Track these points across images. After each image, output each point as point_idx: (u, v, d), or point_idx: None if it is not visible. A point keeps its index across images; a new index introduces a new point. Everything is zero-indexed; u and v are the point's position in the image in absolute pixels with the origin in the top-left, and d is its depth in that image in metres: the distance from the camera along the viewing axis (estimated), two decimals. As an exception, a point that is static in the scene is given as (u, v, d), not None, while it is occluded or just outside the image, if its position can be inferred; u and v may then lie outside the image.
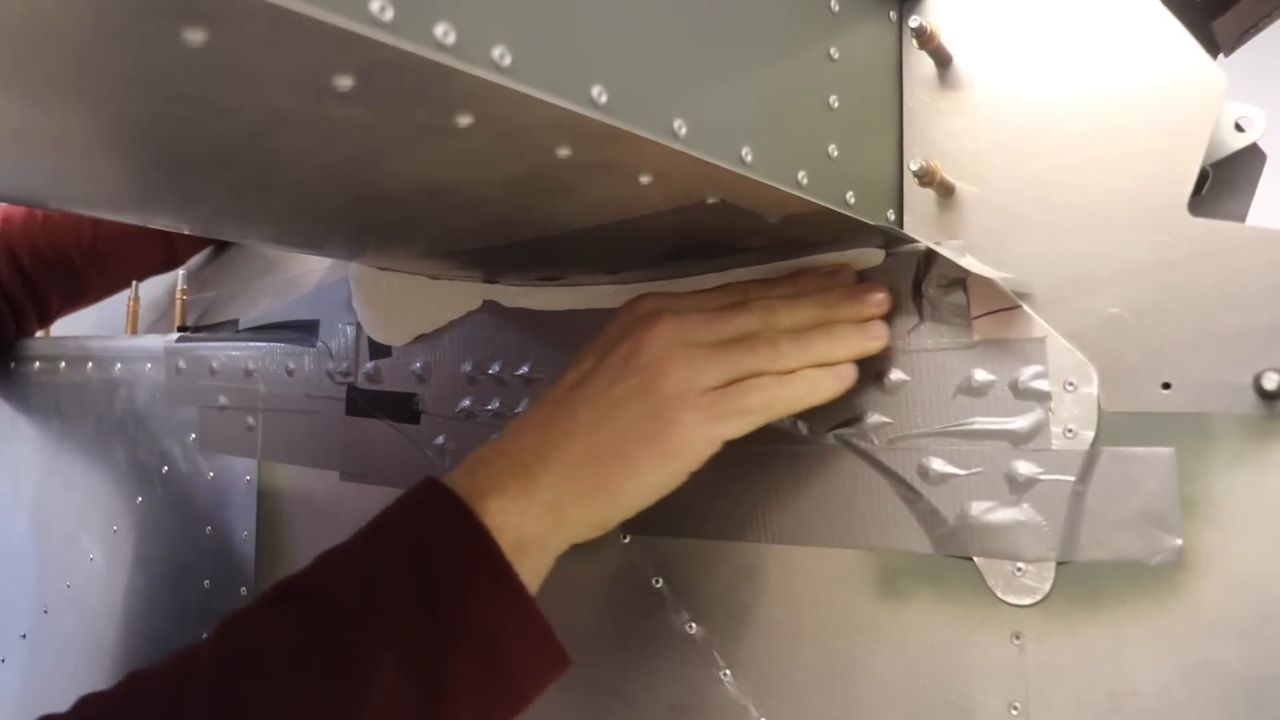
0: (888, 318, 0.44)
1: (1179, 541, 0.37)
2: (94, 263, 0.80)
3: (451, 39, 0.23)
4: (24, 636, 0.81)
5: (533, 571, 0.40)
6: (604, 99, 0.27)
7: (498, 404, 0.56)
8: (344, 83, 0.24)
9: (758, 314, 0.43)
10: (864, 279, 0.44)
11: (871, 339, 0.43)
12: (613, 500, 0.41)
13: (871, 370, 0.44)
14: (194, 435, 0.70)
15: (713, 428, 0.41)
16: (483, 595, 0.38)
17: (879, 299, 0.43)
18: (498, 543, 0.39)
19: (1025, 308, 0.40)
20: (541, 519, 0.40)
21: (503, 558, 0.39)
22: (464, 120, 0.27)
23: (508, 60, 0.24)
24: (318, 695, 0.36)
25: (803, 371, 0.42)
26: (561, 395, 0.42)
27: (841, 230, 0.41)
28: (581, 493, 0.40)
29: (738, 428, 0.41)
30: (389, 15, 0.21)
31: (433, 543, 0.39)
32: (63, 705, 0.39)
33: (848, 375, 0.43)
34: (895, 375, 0.43)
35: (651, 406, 0.40)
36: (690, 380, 0.40)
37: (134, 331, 0.81)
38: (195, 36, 0.21)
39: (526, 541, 0.40)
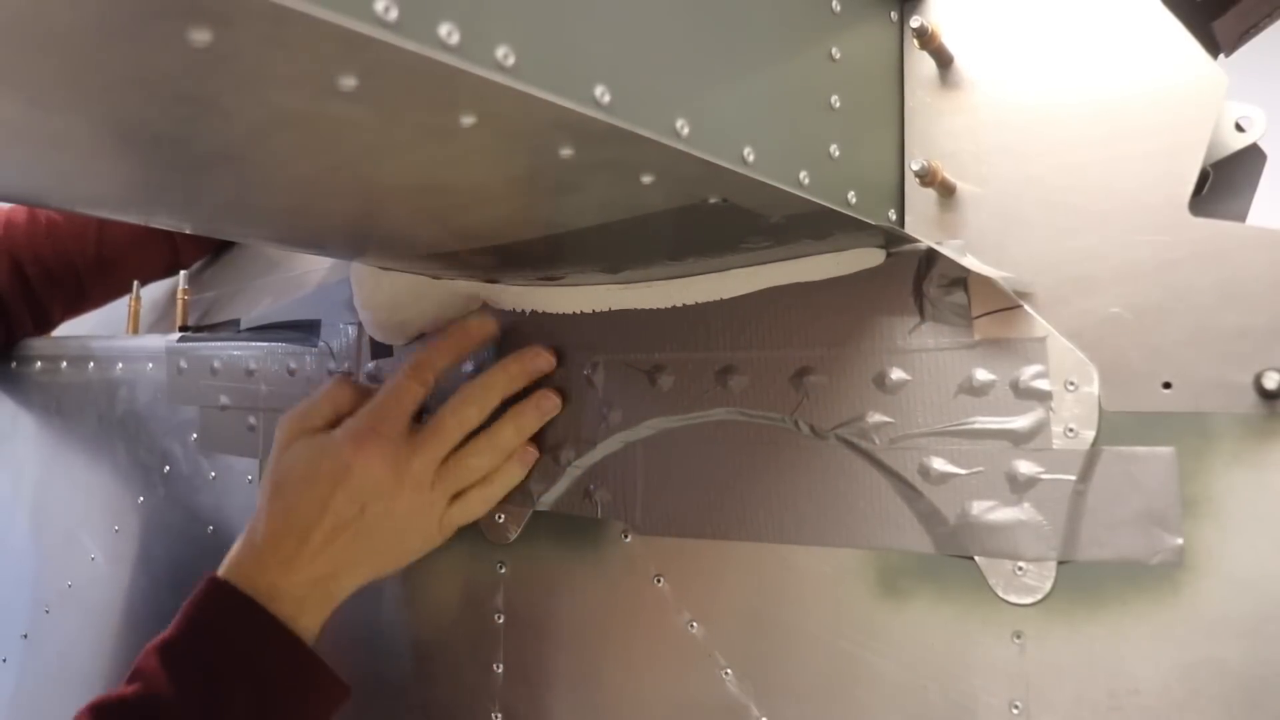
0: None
1: (1179, 541, 0.37)
2: (99, 269, 0.80)
3: (455, 39, 0.23)
4: (25, 636, 0.81)
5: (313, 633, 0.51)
6: (607, 99, 0.27)
7: (499, 404, 0.56)
8: (348, 83, 0.24)
9: (453, 420, 0.52)
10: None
11: (547, 412, 0.53)
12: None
13: (872, 370, 0.44)
14: (195, 435, 0.70)
15: (448, 519, 0.52)
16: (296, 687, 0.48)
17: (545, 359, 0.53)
18: (299, 638, 0.49)
19: (1026, 307, 0.40)
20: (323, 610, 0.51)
21: (306, 648, 0.49)
22: (467, 120, 0.27)
23: (511, 60, 0.24)
24: None
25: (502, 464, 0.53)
26: (319, 535, 0.49)
27: (842, 230, 0.42)
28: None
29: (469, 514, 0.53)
30: (393, 15, 0.21)
31: (249, 654, 0.48)
32: (63, 705, 0.39)
33: (530, 459, 0.53)
34: (896, 375, 0.43)
35: (396, 528, 0.50)
36: (422, 501, 0.51)
37: (135, 331, 0.81)
38: (200, 37, 0.21)
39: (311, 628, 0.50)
